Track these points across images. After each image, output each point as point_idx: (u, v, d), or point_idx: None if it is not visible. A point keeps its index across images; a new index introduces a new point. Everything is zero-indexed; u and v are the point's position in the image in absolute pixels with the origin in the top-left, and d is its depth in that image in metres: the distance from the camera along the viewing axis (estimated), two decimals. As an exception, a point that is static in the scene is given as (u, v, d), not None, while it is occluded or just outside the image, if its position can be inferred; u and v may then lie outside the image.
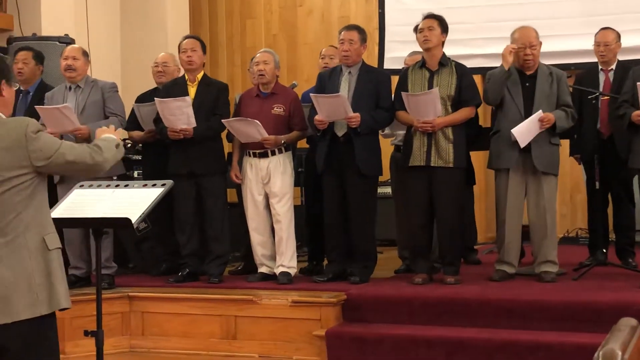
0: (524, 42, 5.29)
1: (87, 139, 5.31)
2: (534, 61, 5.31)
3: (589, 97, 5.69)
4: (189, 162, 5.59)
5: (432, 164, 5.21)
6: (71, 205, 3.57)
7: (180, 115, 5.48)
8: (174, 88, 5.72)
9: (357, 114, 5.23)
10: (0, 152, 2.80)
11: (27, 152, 2.83)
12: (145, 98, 6.11)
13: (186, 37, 5.92)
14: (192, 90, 5.69)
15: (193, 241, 5.70)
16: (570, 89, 5.69)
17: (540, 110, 5.17)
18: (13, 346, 2.81)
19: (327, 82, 5.52)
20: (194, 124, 5.50)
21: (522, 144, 5.15)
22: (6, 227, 2.82)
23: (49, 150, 2.88)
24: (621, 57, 6.00)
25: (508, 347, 4.40)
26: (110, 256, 5.54)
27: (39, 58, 6.03)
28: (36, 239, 2.86)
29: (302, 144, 6.07)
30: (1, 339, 2.79)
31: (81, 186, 3.74)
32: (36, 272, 2.84)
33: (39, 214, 2.90)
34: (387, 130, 5.91)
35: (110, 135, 3.23)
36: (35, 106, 5.35)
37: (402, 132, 5.60)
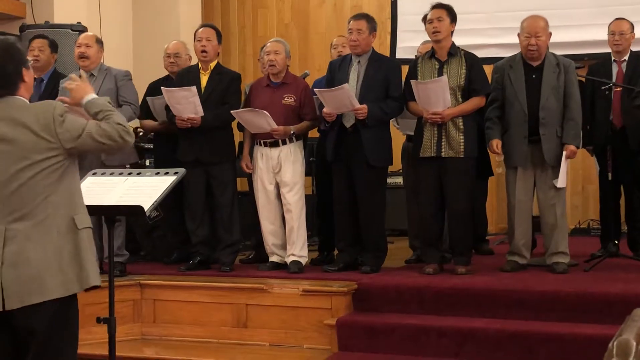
0: (530, 32, 5.25)
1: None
2: (539, 52, 5.25)
3: (602, 87, 5.67)
4: (197, 150, 5.59)
5: (442, 155, 5.20)
6: (84, 193, 3.57)
7: (186, 104, 5.48)
8: (187, 76, 5.72)
9: (364, 106, 5.22)
10: (30, 135, 2.87)
11: (57, 134, 2.90)
12: (157, 86, 6.11)
13: (202, 26, 5.88)
14: (204, 79, 5.69)
15: (203, 229, 5.71)
16: (583, 80, 5.67)
17: (564, 153, 5.14)
18: (40, 327, 2.86)
19: (337, 71, 5.51)
20: (201, 113, 5.50)
21: (565, 184, 5.25)
22: (35, 209, 2.87)
23: (77, 130, 2.94)
24: (634, 48, 5.97)
25: (519, 337, 4.40)
26: (122, 244, 5.57)
27: (54, 46, 6.06)
28: (66, 219, 2.92)
29: (314, 133, 6.06)
30: (30, 320, 2.85)
31: (94, 174, 3.76)
32: (66, 252, 2.90)
33: (68, 195, 2.96)
34: (399, 126, 5.90)
35: (101, 100, 3.12)
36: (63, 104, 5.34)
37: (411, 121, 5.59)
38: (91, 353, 4.79)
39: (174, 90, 5.55)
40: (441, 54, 5.31)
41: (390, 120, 5.68)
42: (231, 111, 5.50)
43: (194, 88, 5.48)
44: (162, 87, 5.68)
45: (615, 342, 1.85)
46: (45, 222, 2.88)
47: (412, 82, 5.22)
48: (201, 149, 5.59)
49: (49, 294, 2.84)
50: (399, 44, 8.51)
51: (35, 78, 5.81)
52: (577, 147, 5.28)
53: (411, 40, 7.79)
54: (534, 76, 5.27)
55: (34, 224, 2.86)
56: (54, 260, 2.87)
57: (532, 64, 5.30)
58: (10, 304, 2.81)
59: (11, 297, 2.81)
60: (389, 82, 5.39)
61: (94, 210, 3.60)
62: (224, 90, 5.65)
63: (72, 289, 2.91)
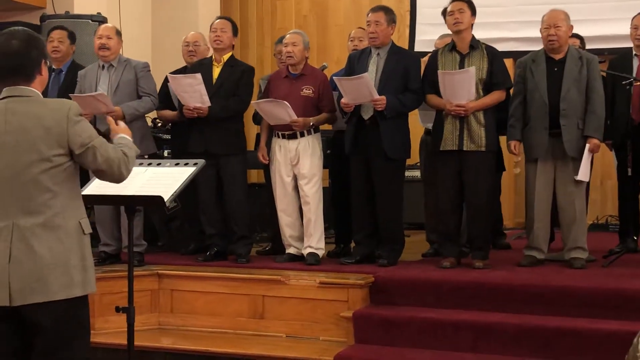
0: (549, 23, 5.24)
1: (121, 119, 5.39)
2: (559, 42, 5.22)
3: (623, 82, 5.63)
4: (205, 141, 5.58)
5: (464, 148, 5.19)
6: (104, 183, 3.59)
7: (192, 92, 5.48)
8: (200, 68, 5.72)
9: (383, 97, 5.21)
10: (41, 130, 2.84)
11: (67, 134, 2.85)
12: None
13: (218, 18, 5.91)
14: (217, 71, 5.69)
15: (215, 221, 5.72)
16: (604, 74, 5.63)
17: (587, 145, 5.12)
18: (46, 324, 2.85)
19: (356, 63, 5.50)
20: (207, 102, 5.49)
21: (588, 178, 5.21)
22: (43, 207, 2.84)
23: (86, 138, 2.89)
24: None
25: (536, 332, 4.39)
26: (140, 234, 5.59)
27: (72, 38, 6.10)
28: (73, 222, 2.90)
29: (329, 125, 6.06)
30: (35, 316, 2.84)
31: (114, 164, 3.77)
32: (72, 254, 2.88)
33: (74, 198, 2.94)
34: (421, 119, 5.90)
35: (130, 140, 3.20)
36: (70, 94, 5.34)
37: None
38: (109, 342, 4.83)
39: (179, 77, 5.57)
40: (462, 47, 5.29)
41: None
42: (252, 102, 5.50)
43: (198, 75, 5.46)
44: (168, 74, 5.69)
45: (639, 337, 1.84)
46: (53, 221, 2.85)
47: (439, 72, 5.21)
48: (210, 140, 5.58)
49: (52, 295, 2.82)
50: (417, 37, 8.49)
51: (54, 69, 5.88)
52: (600, 141, 5.25)
53: (429, 34, 7.76)
54: (556, 69, 5.25)
55: (42, 222, 2.83)
56: (60, 262, 2.84)
57: (554, 57, 5.27)
58: (15, 300, 2.81)
59: (16, 294, 2.80)
60: (408, 75, 5.37)
61: (113, 199, 3.63)
62: (235, 82, 5.64)
63: (75, 292, 2.88)
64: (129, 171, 3.04)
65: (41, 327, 2.85)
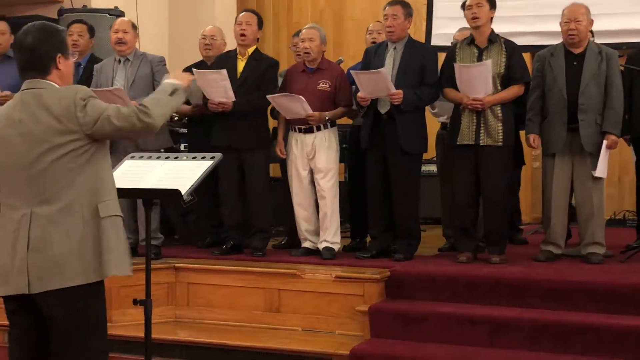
0: (570, 17, 5.21)
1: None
2: (579, 36, 5.19)
3: (641, 76, 5.58)
4: (229, 135, 5.60)
5: (481, 143, 5.16)
6: (122, 176, 3.61)
7: (217, 87, 5.49)
8: (225, 61, 5.73)
9: (400, 91, 5.19)
10: (50, 119, 2.86)
11: (77, 118, 2.87)
12: (190, 71, 6.13)
13: (244, 10, 5.89)
14: (241, 64, 5.69)
15: (235, 214, 5.73)
16: (622, 68, 5.58)
17: (605, 142, 5.09)
18: (61, 315, 2.86)
19: (373, 57, 5.49)
20: (232, 97, 5.50)
21: (605, 174, 5.17)
22: (59, 193, 2.86)
23: (95, 114, 2.89)
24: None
25: (553, 328, 4.37)
26: (157, 227, 5.62)
27: (92, 31, 6.11)
28: (91, 206, 2.90)
29: (346, 120, 6.05)
30: (52, 305, 2.85)
31: (132, 157, 3.79)
32: (89, 239, 2.88)
33: (95, 181, 2.93)
34: (437, 109, 5.87)
35: (169, 81, 3.17)
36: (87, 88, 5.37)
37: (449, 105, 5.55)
38: (126, 334, 4.85)
39: (205, 72, 5.58)
40: (480, 41, 5.27)
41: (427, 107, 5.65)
42: (267, 96, 5.51)
43: (224, 71, 5.47)
44: (193, 69, 5.69)
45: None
46: (70, 207, 2.86)
47: (455, 65, 5.19)
48: (234, 134, 5.59)
49: (69, 281, 2.84)
50: (434, 31, 8.44)
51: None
52: (618, 137, 5.21)
53: (447, 27, 7.72)
54: (575, 63, 5.21)
55: (58, 208, 2.85)
56: (76, 247, 2.85)
57: (573, 51, 5.24)
58: (34, 288, 2.83)
59: (35, 281, 2.83)
60: (424, 69, 5.35)
61: (131, 192, 3.64)
62: (259, 77, 5.65)
63: (91, 277, 2.88)
64: (151, 116, 2.96)
65: (56, 318, 2.87)
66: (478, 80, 5.09)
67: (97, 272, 2.90)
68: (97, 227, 2.91)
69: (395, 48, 5.42)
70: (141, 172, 3.64)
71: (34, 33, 2.95)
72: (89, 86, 5.44)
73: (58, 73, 2.98)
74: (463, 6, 5.35)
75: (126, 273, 3.00)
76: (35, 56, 2.94)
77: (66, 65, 3.01)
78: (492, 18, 5.29)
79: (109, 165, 3.03)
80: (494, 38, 5.26)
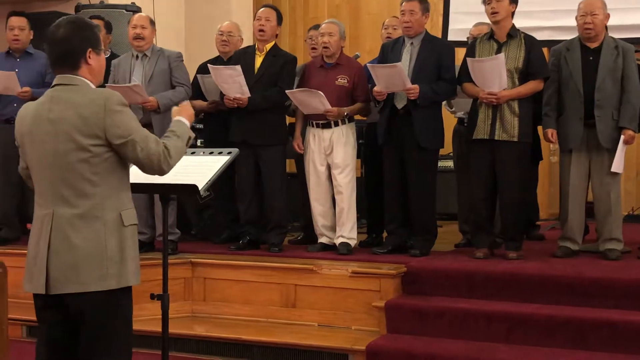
0: (586, 11, 5.18)
1: (156, 110, 5.44)
2: (595, 30, 5.16)
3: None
4: (245, 131, 5.61)
5: (496, 138, 5.14)
6: (139, 171, 3.62)
7: (233, 83, 5.50)
8: (244, 57, 5.74)
9: (416, 86, 5.18)
10: (78, 119, 2.84)
11: (104, 124, 2.84)
12: (206, 66, 6.15)
13: (264, 6, 5.89)
14: (259, 60, 5.69)
15: (252, 210, 5.75)
16: (638, 63, 5.54)
17: (622, 137, 5.06)
18: (87, 313, 2.87)
19: (389, 53, 5.48)
20: (247, 93, 5.51)
21: (622, 170, 5.14)
22: (82, 196, 2.85)
23: (125, 130, 2.86)
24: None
25: (570, 324, 4.36)
26: (174, 222, 5.64)
27: (109, 27, 6.14)
28: (113, 214, 2.89)
29: (360, 116, 6.04)
30: (77, 305, 2.86)
31: (149, 153, 3.79)
32: (109, 246, 2.87)
33: (117, 189, 2.92)
34: (454, 108, 5.85)
35: (186, 127, 3.18)
36: (105, 84, 5.40)
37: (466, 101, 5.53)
38: (143, 329, 4.85)
39: (220, 68, 5.59)
40: (500, 35, 5.24)
41: (443, 104, 5.64)
42: (287, 91, 5.51)
43: (238, 67, 5.48)
44: (208, 65, 5.71)
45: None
46: (92, 212, 2.85)
47: (468, 59, 5.18)
48: (249, 130, 5.61)
49: (86, 286, 2.83)
50: (450, 26, 8.43)
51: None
52: (635, 132, 5.18)
53: (463, 22, 7.71)
54: (591, 58, 5.18)
55: (80, 212, 2.84)
56: (96, 253, 2.84)
57: (589, 45, 5.21)
58: (52, 289, 2.84)
59: (53, 283, 2.83)
60: (441, 64, 5.34)
61: (148, 188, 3.65)
62: (277, 72, 5.65)
63: (109, 284, 2.86)
64: (170, 166, 2.99)
65: (83, 315, 2.88)
66: (492, 74, 5.07)
67: (117, 279, 2.89)
68: (120, 235, 2.90)
69: (412, 43, 5.40)
70: (158, 168, 3.64)
71: (65, 26, 2.93)
72: (106, 81, 5.51)
73: (88, 68, 2.95)
74: (484, 1, 5.33)
75: (138, 282, 3.00)
76: (66, 49, 2.92)
77: (97, 60, 2.98)
78: (513, 13, 5.26)
79: (128, 175, 3.01)
80: (514, 33, 5.22)
